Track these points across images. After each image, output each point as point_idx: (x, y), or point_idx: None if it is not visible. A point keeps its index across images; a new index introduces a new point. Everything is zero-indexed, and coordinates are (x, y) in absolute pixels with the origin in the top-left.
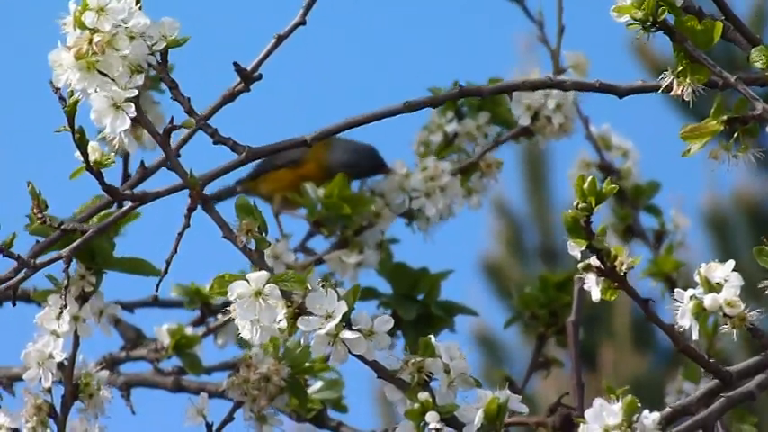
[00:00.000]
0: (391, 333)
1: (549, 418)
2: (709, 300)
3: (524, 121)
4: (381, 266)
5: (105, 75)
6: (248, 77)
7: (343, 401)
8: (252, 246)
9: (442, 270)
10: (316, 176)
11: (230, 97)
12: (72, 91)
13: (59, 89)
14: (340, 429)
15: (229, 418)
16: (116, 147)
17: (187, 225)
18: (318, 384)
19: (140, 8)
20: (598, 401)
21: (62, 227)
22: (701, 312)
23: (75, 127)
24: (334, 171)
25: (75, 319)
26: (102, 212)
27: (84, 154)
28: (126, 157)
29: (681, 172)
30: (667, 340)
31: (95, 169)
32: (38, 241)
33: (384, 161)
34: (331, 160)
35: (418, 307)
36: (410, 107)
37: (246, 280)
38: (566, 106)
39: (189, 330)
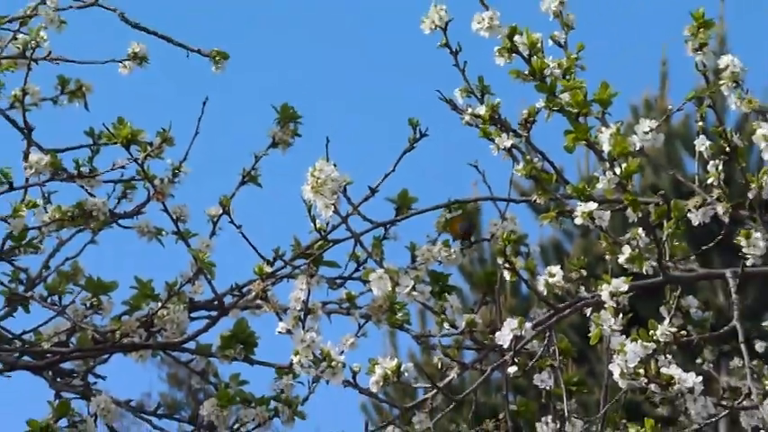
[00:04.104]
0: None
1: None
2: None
3: (493, 231)
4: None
5: (322, 194)
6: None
7: (408, 323)
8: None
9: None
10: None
11: (356, 209)
12: (308, 200)
13: (305, 201)
14: (404, 327)
15: (366, 321)
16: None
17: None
18: (401, 315)
19: (335, 167)
20: (508, 318)
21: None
22: (547, 285)
23: (311, 214)
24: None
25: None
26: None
27: (313, 221)
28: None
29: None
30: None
31: (320, 231)
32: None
33: (471, 234)
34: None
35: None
36: (440, 206)
37: (375, 273)
38: (509, 227)
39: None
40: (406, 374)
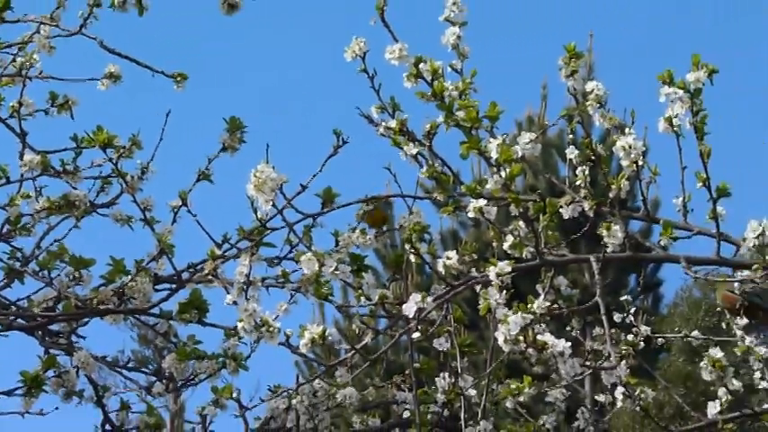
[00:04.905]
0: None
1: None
2: (449, 262)
3: (402, 222)
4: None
5: (263, 191)
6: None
7: (332, 296)
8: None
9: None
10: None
11: (289, 203)
12: (251, 196)
13: (249, 196)
14: (328, 298)
15: (296, 293)
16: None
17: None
18: (326, 289)
19: (273, 168)
20: (413, 293)
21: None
22: (445, 266)
23: (253, 207)
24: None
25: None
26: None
27: (255, 212)
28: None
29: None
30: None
31: (260, 220)
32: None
33: (385, 223)
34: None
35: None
36: (359, 200)
37: (305, 255)
38: (415, 218)
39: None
40: (329, 338)
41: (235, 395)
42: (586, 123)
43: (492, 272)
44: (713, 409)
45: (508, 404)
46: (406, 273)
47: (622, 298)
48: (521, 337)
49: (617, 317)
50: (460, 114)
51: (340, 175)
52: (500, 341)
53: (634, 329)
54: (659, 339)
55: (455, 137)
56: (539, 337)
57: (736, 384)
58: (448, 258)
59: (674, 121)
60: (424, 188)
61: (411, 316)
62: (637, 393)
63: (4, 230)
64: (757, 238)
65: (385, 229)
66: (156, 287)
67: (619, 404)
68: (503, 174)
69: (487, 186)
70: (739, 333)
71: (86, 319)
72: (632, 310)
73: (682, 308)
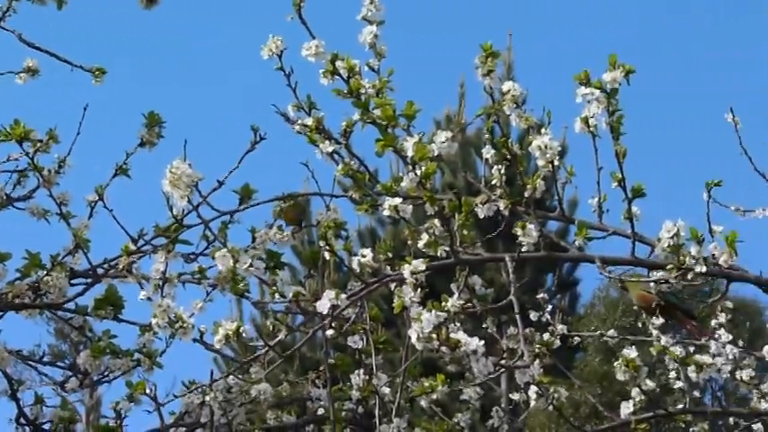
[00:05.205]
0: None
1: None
2: (363, 259)
3: (319, 218)
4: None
5: (178, 188)
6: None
7: (249, 292)
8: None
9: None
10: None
11: (205, 200)
12: (167, 192)
13: (165, 192)
14: (245, 295)
15: (213, 290)
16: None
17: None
18: (243, 285)
19: (190, 166)
20: (327, 290)
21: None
22: (360, 263)
23: (169, 203)
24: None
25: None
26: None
27: (171, 210)
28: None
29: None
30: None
31: (176, 217)
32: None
33: (302, 221)
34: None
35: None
36: (276, 198)
37: (220, 251)
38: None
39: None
40: (245, 334)
41: (150, 390)
42: (504, 122)
43: (406, 270)
44: (626, 409)
45: (423, 402)
46: (322, 270)
47: (539, 296)
48: (434, 335)
49: (533, 315)
50: (377, 112)
51: (260, 171)
52: (413, 339)
53: (550, 328)
54: (575, 338)
55: (373, 135)
56: (452, 335)
57: (650, 384)
58: (363, 256)
59: (591, 121)
60: (342, 185)
61: (325, 313)
62: (550, 392)
63: None
64: (672, 238)
65: (303, 225)
66: (72, 282)
67: (533, 403)
68: (418, 172)
69: (403, 184)
70: (655, 333)
71: (1, 313)
72: (549, 309)
73: (598, 308)
